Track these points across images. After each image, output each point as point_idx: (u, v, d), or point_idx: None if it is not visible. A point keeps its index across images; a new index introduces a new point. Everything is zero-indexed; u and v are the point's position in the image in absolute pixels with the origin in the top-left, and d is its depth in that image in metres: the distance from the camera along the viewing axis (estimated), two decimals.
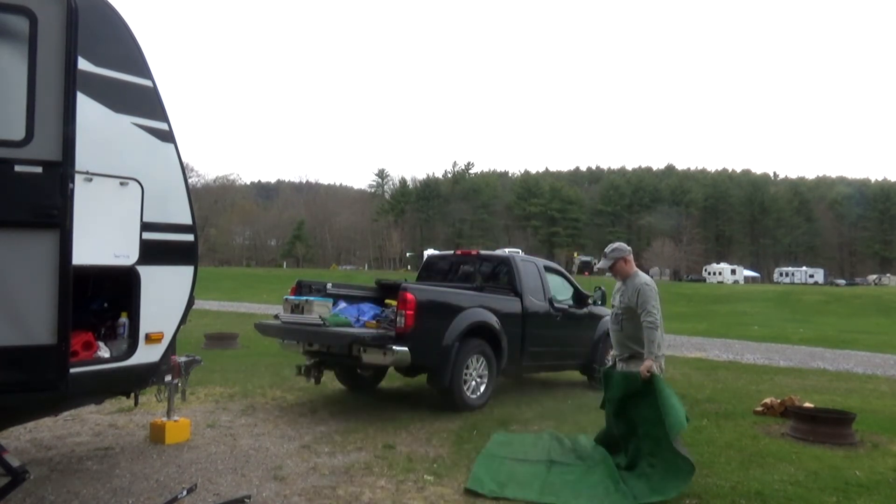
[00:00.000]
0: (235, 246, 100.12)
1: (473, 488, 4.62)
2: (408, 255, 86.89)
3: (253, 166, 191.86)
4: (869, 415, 7.68)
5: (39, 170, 3.30)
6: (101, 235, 4.01)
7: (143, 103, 4.28)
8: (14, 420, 4.42)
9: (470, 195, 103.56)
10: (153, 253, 4.26)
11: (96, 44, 3.96)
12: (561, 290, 9.08)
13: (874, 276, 77.55)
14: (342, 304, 7.38)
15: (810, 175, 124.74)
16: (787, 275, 76.03)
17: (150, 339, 4.28)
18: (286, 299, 7.50)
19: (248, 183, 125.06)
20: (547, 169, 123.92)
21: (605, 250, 5.45)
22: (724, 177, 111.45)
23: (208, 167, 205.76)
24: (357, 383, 8.25)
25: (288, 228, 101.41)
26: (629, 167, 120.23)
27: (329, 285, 7.73)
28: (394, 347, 6.50)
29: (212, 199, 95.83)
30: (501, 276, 8.58)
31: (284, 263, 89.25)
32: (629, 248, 5.47)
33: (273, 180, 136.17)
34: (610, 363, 5.56)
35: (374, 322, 7.01)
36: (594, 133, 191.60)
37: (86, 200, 3.69)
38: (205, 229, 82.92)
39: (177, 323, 4.47)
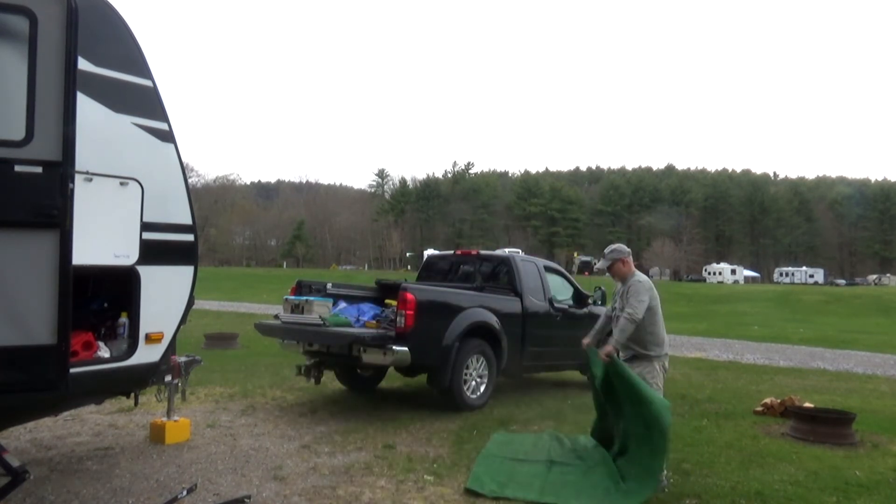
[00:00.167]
0: (235, 246, 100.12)
1: (473, 488, 4.62)
2: (408, 255, 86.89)
3: (253, 166, 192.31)
4: (869, 415, 7.68)
5: (39, 170, 3.29)
6: (101, 235, 4.00)
7: (143, 103, 4.28)
8: (14, 420, 4.43)
9: (470, 195, 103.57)
10: (153, 253, 4.26)
11: (96, 44, 3.95)
12: (561, 290, 9.07)
13: (874, 276, 77.54)
14: (342, 304, 7.38)
15: (810, 175, 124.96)
16: (787, 275, 76.03)
17: (150, 339, 4.28)
18: (286, 299, 7.50)
19: (248, 183, 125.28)
20: (547, 169, 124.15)
21: (605, 251, 5.45)
22: (724, 177, 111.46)
23: (208, 167, 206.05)
24: (357, 383, 8.25)
25: (288, 228, 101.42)
26: (629, 167, 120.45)
27: (329, 285, 7.73)
28: (394, 347, 6.50)
29: (212, 199, 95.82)
30: (501, 276, 8.58)
31: (284, 263, 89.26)
32: (628, 249, 5.45)
33: (273, 180, 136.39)
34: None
35: (374, 322, 7.01)
36: (594, 133, 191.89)
37: (86, 200, 3.69)
38: (205, 229, 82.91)
39: (177, 323, 4.47)
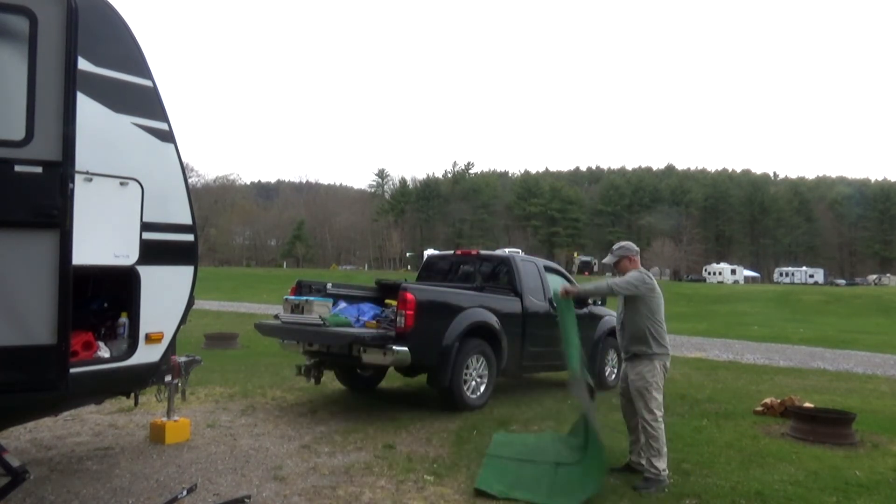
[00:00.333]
0: (235, 246, 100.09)
1: (482, 488, 4.60)
2: (408, 255, 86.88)
3: (253, 166, 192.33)
4: (869, 415, 7.68)
5: (39, 170, 3.29)
6: (101, 235, 4.00)
7: (143, 103, 4.28)
8: (14, 420, 4.42)
9: (470, 195, 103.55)
10: (153, 253, 4.25)
11: (96, 44, 3.95)
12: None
13: (874, 276, 77.53)
14: (342, 304, 7.38)
15: (810, 175, 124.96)
16: (787, 275, 76.03)
17: (150, 339, 4.28)
18: (286, 299, 7.49)
19: (248, 183, 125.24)
20: (547, 169, 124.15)
21: (613, 247, 5.47)
22: (724, 177, 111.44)
23: (208, 167, 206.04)
24: (357, 383, 8.25)
25: (288, 228, 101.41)
26: (629, 167, 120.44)
27: (329, 285, 7.72)
28: (394, 347, 6.50)
29: (212, 199, 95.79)
30: (501, 276, 8.58)
31: (284, 263, 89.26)
32: (637, 248, 5.47)
33: (273, 180, 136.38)
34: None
35: (374, 322, 7.01)
36: (594, 133, 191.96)
37: (86, 200, 3.69)
38: (205, 229, 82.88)
39: (177, 323, 4.47)
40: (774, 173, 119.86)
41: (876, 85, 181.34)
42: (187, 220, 4.52)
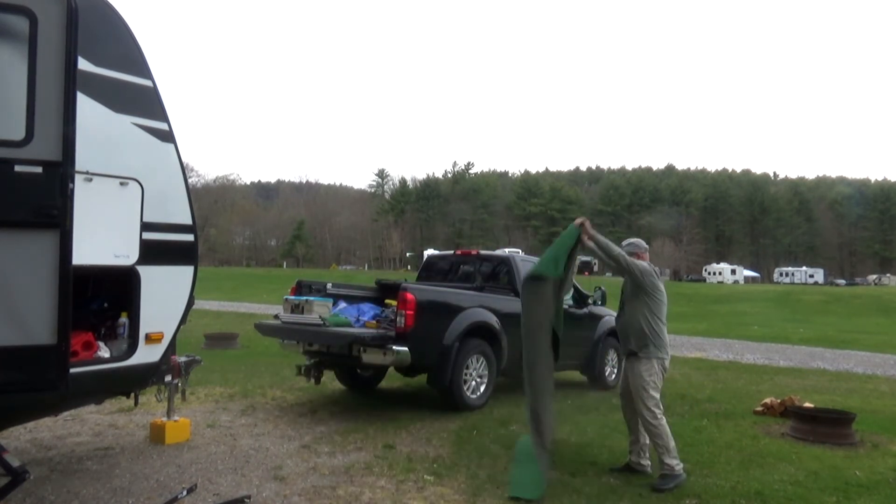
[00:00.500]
0: (235, 246, 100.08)
1: (517, 496, 4.50)
2: (408, 255, 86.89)
3: (253, 166, 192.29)
4: (869, 415, 7.68)
5: (39, 170, 3.29)
6: (101, 235, 4.01)
7: (143, 103, 4.28)
8: (14, 420, 4.42)
9: (470, 195, 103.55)
10: (153, 253, 4.26)
11: (96, 44, 3.96)
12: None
13: (874, 276, 77.55)
14: (342, 304, 7.38)
15: (810, 175, 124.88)
16: (787, 275, 76.05)
17: (150, 339, 4.28)
18: (286, 299, 7.50)
19: (248, 183, 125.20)
20: (547, 169, 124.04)
21: (623, 243, 5.43)
22: (724, 177, 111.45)
23: (208, 167, 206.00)
24: (357, 383, 8.25)
25: (288, 228, 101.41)
26: (629, 167, 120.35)
27: (329, 285, 7.73)
28: (394, 347, 6.50)
29: (212, 199, 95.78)
30: (501, 276, 8.58)
31: (284, 263, 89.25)
32: (646, 245, 5.46)
33: (273, 180, 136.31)
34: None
35: (374, 322, 7.01)
36: (594, 133, 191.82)
37: (86, 200, 3.69)
38: (205, 229, 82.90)
39: (177, 323, 4.47)
40: (774, 173, 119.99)
41: (876, 85, 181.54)
42: (187, 220, 4.52)
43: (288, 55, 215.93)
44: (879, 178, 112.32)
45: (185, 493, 4.21)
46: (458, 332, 7.03)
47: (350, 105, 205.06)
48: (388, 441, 5.88)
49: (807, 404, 7.45)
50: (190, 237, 4.53)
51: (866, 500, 4.73)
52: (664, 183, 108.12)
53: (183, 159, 4.58)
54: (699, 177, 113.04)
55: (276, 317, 7.37)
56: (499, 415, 7.11)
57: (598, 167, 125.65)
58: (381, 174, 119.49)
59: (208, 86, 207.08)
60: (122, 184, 4.12)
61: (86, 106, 3.75)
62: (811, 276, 74.67)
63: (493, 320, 7.52)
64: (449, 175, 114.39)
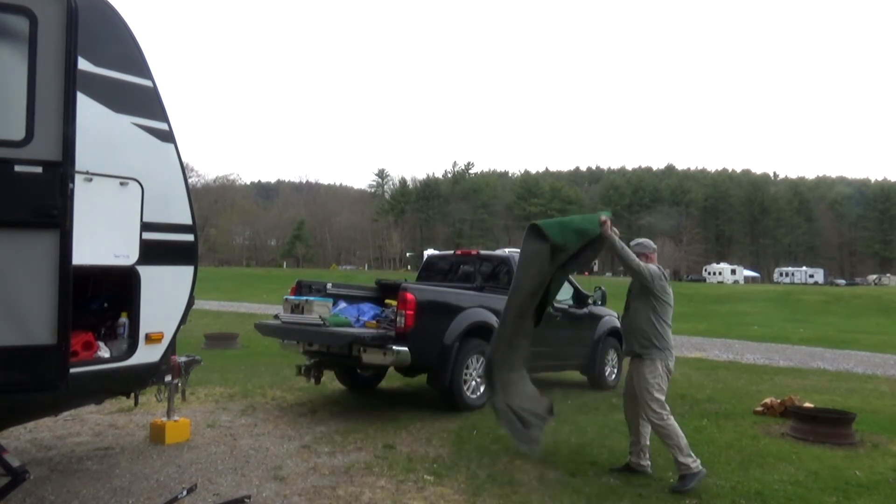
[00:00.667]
0: (235, 246, 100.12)
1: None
2: (408, 255, 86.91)
3: (253, 166, 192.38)
4: (869, 415, 7.68)
5: (39, 170, 3.29)
6: (101, 235, 4.00)
7: (143, 103, 4.28)
8: (14, 420, 4.42)
9: (470, 195, 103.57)
10: (153, 253, 4.26)
11: (96, 44, 3.95)
12: (561, 291, 9.05)
13: (874, 276, 77.57)
14: (342, 304, 7.38)
15: (810, 175, 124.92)
16: (787, 275, 76.08)
17: (150, 339, 4.28)
18: (286, 299, 7.50)
19: (248, 183, 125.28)
20: (547, 169, 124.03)
21: (631, 243, 5.39)
22: (724, 177, 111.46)
23: (208, 167, 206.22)
24: (357, 383, 8.25)
25: (288, 228, 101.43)
26: (629, 167, 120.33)
27: (329, 285, 7.72)
28: (394, 347, 6.50)
29: (212, 199, 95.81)
30: (501, 276, 8.57)
31: (284, 263, 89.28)
32: (654, 246, 5.41)
33: (273, 180, 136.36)
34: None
35: (374, 322, 7.01)
36: (594, 133, 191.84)
37: (86, 200, 3.69)
38: (205, 229, 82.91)
39: (177, 323, 4.47)
40: (774, 173, 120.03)
41: (876, 85, 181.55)
42: (187, 220, 4.52)
43: (288, 55, 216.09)
44: (879, 178, 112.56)
45: (185, 493, 4.20)
46: (458, 332, 7.03)
47: (350, 105, 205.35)
48: (388, 441, 5.88)
49: (807, 404, 7.44)
50: (190, 237, 4.53)
51: (866, 500, 4.73)
52: (664, 183, 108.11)
53: (183, 159, 4.58)
54: (699, 177, 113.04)
55: (276, 317, 7.37)
56: None
57: (598, 167, 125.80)
58: (381, 174, 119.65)
59: (208, 86, 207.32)
60: (122, 184, 4.11)
61: (86, 106, 3.75)
62: (811, 276, 74.69)
63: (493, 320, 7.50)
64: (449, 175, 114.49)
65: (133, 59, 4.23)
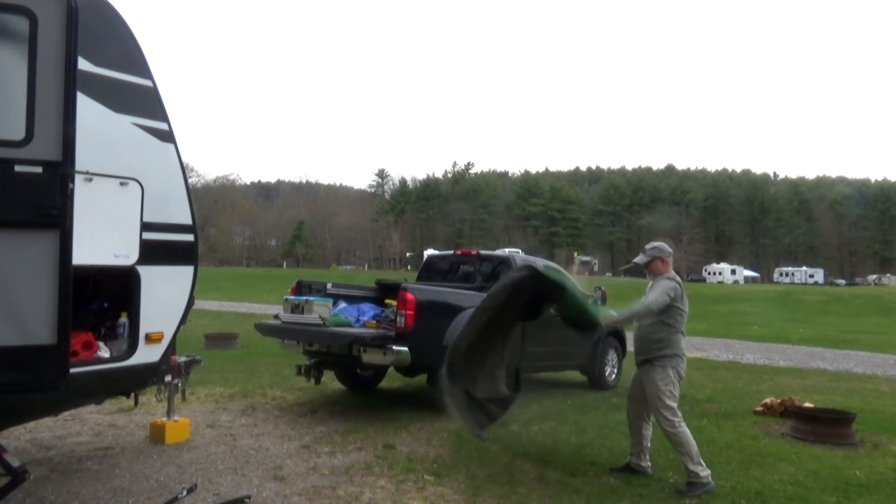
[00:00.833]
0: (235, 246, 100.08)
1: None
2: (408, 255, 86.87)
3: (253, 166, 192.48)
4: (869, 415, 7.68)
5: (39, 170, 3.29)
6: (101, 235, 4.00)
7: (143, 103, 4.28)
8: (14, 420, 4.42)
9: (470, 195, 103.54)
10: (153, 253, 4.25)
11: (96, 44, 3.95)
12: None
13: (874, 276, 77.52)
14: (342, 304, 7.38)
15: (810, 175, 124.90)
16: (787, 275, 76.04)
17: (150, 339, 4.28)
18: (286, 299, 7.49)
19: (248, 183, 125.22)
20: (547, 169, 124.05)
21: (646, 246, 5.30)
22: (724, 177, 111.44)
23: (208, 167, 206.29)
24: (357, 383, 8.24)
25: (288, 228, 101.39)
26: (629, 167, 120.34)
27: (329, 285, 7.72)
28: (394, 347, 6.50)
29: (212, 199, 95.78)
30: (501, 276, 8.56)
31: (284, 263, 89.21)
32: (670, 250, 5.29)
33: (273, 180, 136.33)
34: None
35: (374, 322, 7.01)
36: (594, 133, 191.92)
37: (86, 200, 3.69)
38: (205, 229, 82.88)
39: (177, 323, 4.47)
40: (774, 173, 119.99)
41: (876, 85, 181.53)
42: (187, 220, 4.52)
43: (288, 55, 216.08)
44: (879, 178, 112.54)
45: (185, 493, 4.20)
46: (458, 332, 7.01)
47: (350, 105, 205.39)
48: (388, 441, 5.88)
49: (807, 404, 7.45)
50: (190, 237, 4.53)
51: (866, 500, 4.73)
52: (664, 183, 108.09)
53: (183, 159, 4.58)
54: (699, 177, 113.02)
55: (276, 317, 7.37)
56: None
57: (598, 167, 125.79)
58: (381, 174, 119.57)
59: (208, 86, 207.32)
60: (122, 184, 4.11)
61: (86, 106, 3.74)
62: (811, 276, 74.65)
63: None
64: (449, 175, 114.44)
65: (133, 58, 4.23)
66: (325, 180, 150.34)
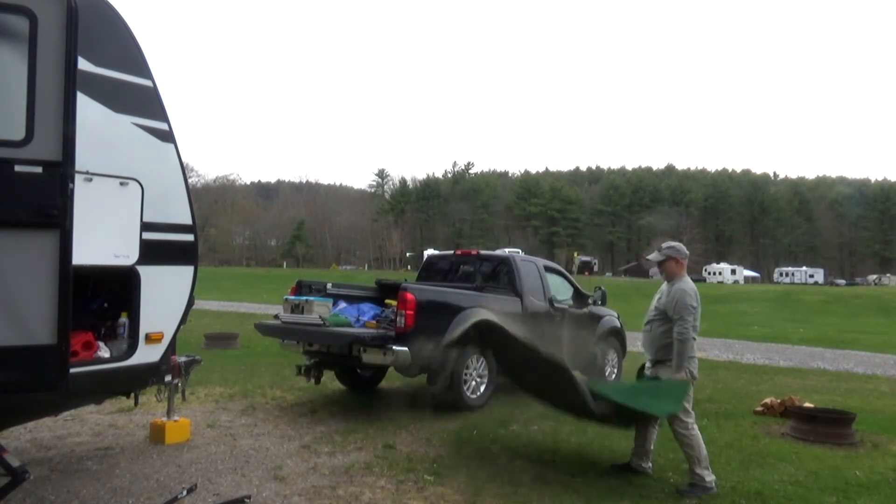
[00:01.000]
0: (235, 246, 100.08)
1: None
2: (408, 255, 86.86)
3: (253, 166, 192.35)
4: (869, 415, 7.68)
5: (39, 170, 3.29)
6: (101, 235, 4.01)
7: (143, 103, 4.28)
8: (14, 420, 4.43)
9: (470, 195, 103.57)
10: (153, 253, 4.26)
11: (96, 44, 3.96)
12: (561, 290, 9.07)
13: (874, 276, 77.51)
14: (342, 304, 7.38)
15: (810, 175, 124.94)
16: (787, 275, 76.03)
17: (150, 339, 4.29)
18: (286, 299, 7.50)
19: (248, 183, 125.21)
20: (547, 169, 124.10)
21: (662, 245, 5.24)
22: (724, 177, 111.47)
23: (208, 167, 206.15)
24: (357, 383, 8.25)
25: (288, 228, 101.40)
26: (629, 167, 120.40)
27: (329, 285, 7.72)
28: (394, 347, 6.50)
29: (212, 199, 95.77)
30: (501, 276, 8.57)
31: (284, 263, 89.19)
32: (687, 252, 5.24)
33: (273, 180, 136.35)
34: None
35: (374, 322, 7.01)
36: (594, 133, 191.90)
37: (86, 200, 3.69)
38: (205, 229, 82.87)
39: (177, 323, 4.47)
40: (774, 173, 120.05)
41: (876, 85, 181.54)
42: (187, 220, 4.52)
43: (288, 55, 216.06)
44: (879, 178, 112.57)
45: (185, 493, 4.21)
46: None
47: (350, 105, 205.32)
48: (388, 441, 5.88)
49: (807, 404, 7.44)
50: (190, 237, 4.54)
51: (866, 500, 4.74)
52: (664, 183, 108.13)
53: (183, 159, 4.58)
54: (699, 177, 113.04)
55: (276, 317, 7.37)
56: (499, 415, 7.10)
57: (598, 167, 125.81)
58: (381, 174, 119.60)
59: (208, 86, 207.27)
60: (122, 184, 4.12)
61: (86, 106, 3.75)
62: (811, 276, 74.64)
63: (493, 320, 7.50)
64: (449, 175, 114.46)
65: (133, 58, 4.23)
66: (325, 180, 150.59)
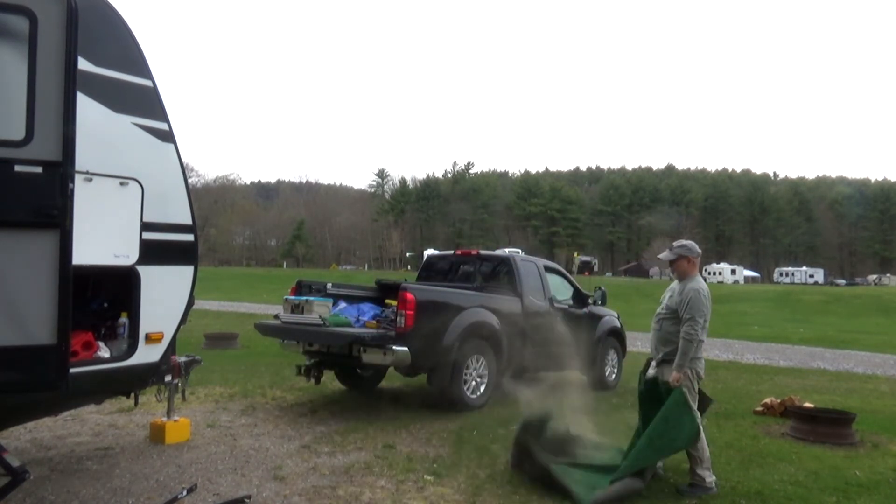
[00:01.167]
0: (235, 246, 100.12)
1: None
2: (408, 255, 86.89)
3: (253, 166, 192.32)
4: (869, 415, 7.69)
5: (39, 170, 3.29)
6: (101, 235, 4.01)
7: (143, 103, 4.28)
8: (14, 420, 4.43)
9: (470, 195, 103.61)
10: (153, 253, 4.26)
11: (96, 44, 3.96)
12: (561, 290, 9.07)
13: (874, 276, 77.53)
14: (342, 304, 7.38)
15: (810, 175, 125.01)
16: (787, 275, 76.06)
17: (150, 339, 4.29)
18: (286, 299, 7.50)
19: (248, 183, 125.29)
20: (547, 169, 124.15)
21: (674, 243, 5.18)
22: (724, 177, 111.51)
23: (208, 167, 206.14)
24: (357, 383, 8.25)
25: (288, 228, 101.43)
26: (629, 167, 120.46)
27: (329, 285, 7.73)
28: (394, 347, 6.50)
29: (212, 199, 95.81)
30: (501, 276, 8.57)
31: (284, 263, 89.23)
32: (699, 251, 5.17)
33: (273, 180, 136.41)
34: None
35: (374, 322, 7.01)
36: (594, 133, 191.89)
37: (86, 200, 3.69)
38: (205, 229, 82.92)
39: (177, 323, 4.47)
40: (774, 173, 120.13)
41: (876, 85, 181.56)
42: (187, 220, 4.52)
43: (288, 55, 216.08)
44: (879, 178, 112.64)
45: (185, 493, 4.21)
46: (458, 332, 7.02)
47: (350, 105, 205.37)
48: (388, 441, 5.88)
49: (807, 404, 7.45)
50: (190, 237, 4.54)
51: (866, 500, 4.74)
52: (664, 183, 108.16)
53: (183, 159, 4.58)
54: (699, 177, 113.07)
55: (276, 317, 7.37)
56: (499, 415, 7.09)
57: (598, 167, 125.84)
58: (381, 174, 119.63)
59: (208, 86, 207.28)
60: (122, 184, 4.12)
61: (86, 106, 3.75)
62: (811, 276, 74.66)
63: (493, 320, 7.51)
64: (449, 175, 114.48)
65: (133, 58, 4.24)
66: (325, 180, 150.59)
